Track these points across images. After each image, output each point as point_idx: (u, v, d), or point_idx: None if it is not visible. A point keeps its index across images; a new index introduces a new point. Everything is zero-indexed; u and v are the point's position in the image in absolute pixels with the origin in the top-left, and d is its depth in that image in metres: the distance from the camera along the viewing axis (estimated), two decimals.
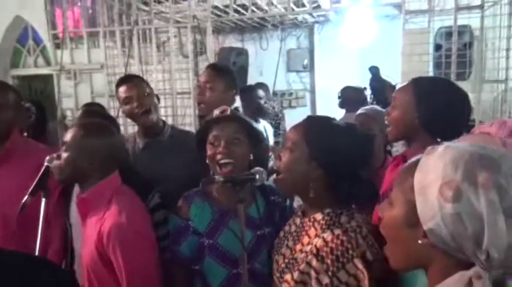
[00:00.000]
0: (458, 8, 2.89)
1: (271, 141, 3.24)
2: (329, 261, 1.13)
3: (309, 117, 1.34)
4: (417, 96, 1.43)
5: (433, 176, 0.66)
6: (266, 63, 5.73)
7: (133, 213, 1.37)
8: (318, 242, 1.17)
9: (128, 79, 2.13)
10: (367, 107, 2.28)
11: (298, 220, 1.35)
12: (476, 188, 0.62)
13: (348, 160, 1.21)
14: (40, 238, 1.39)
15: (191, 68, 3.87)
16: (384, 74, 3.76)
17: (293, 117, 2.20)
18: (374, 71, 3.72)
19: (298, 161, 1.24)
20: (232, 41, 5.73)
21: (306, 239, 1.24)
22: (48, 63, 5.06)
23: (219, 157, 1.45)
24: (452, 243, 0.64)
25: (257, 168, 1.37)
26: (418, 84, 1.48)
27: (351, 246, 1.13)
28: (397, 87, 3.27)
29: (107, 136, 1.43)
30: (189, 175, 1.67)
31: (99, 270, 1.36)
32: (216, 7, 4.16)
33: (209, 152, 1.49)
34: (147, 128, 2.06)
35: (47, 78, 5.03)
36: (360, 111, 2.15)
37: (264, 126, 3.14)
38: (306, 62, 5.92)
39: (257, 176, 1.33)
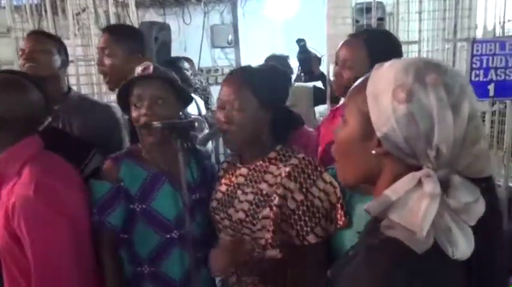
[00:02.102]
0: None
1: (203, 113, 3.18)
2: (302, 179, 1.21)
3: (237, 72, 1.34)
4: (371, 55, 1.41)
5: (385, 83, 0.68)
6: (190, 39, 5.55)
7: (45, 183, 1.18)
8: (287, 168, 1.23)
9: (32, 33, 1.93)
10: None
11: (243, 170, 1.35)
12: (426, 88, 0.65)
13: (283, 94, 1.33)
14: None
15: None
16: (311, 47, 3.82)
17: None
18: (301, 43, 3.77)
19: (252, 114, 1.26)
20: (153, 16, 5.48)
21: (269, 176, 1.28)
22: None
23: (143, 119, 1.35)
24: (405, 146, 0.66)
25: (196, 116, 1.33)
26: (367, 42, 1.45)
27: (318, 164, 1.24)
28: (324, 58, 3.34)
29: (14, 92, 1.20)
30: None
31: (13, 251, 1.18)
32: None
33: (133, 114, 1.38)
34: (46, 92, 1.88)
35: None
36: None
37: (194, 99, 3.07)
38: (230, 37, 5.85)
39: (196, 124, 1.28)
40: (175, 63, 3.42)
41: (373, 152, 0.70)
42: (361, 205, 1.08)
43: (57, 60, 1.86)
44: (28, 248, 1.14)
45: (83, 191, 1.33)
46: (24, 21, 3.04)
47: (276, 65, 1.41)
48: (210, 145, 3.38)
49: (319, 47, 3.75)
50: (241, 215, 1.28)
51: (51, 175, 1.23)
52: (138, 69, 1.44)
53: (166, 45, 5.24)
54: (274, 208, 1.22)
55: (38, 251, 1.14)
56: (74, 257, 1.19)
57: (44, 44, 1.84)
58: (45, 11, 3.07)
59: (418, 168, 0.66)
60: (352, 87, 0.77)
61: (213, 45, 5.85)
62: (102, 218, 1.35)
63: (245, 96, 1.26)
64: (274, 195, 1.22)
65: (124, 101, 1.43)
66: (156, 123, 1.30)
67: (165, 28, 5.42)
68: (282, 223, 1.23)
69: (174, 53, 4.89)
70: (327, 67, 3.04)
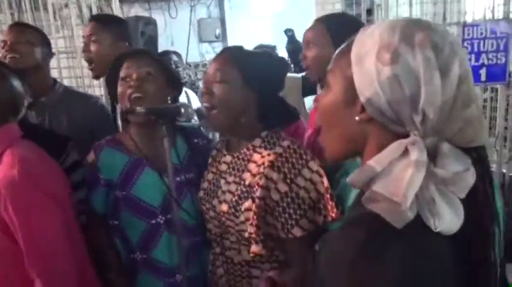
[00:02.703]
0: None
1: (194, 105, 3.13)
2: (286, 169, 1.13)
3: (226, 48, 1.32)
4: (330, 30, 1.42)
5: (369, 44, 0.64)
6: (176, 34, 5.47)
7: (29, 164, 1.16)
8: (271, 157, 1.15)
9: (14, 24, 1.93)
10: None
11: (227, 158, 1.29)
12: (413, 48, 0.61)
13: (273, 81, 1.25)
14: None
15: None
16: (300, 37, 3.77)
17: None
18: (289, 33, 3.72)
19: (234, 89, 1.19)
20: (138, 10, 5.37)
21: (252, 166, 1.20)
22: None
23: (129, 91, 1.31)
24: (389, 111, 0.62)
25: (183, 102, 1.28)
26: (326, 21, 1.49)
27: (303, 152, 1.16)
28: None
29: None
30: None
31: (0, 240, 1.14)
32: None
33: (120, 89, 1.34)
34: (30, 84, 1.84)
35: None
36: None
37: (186, 91, 3.02)
38: (218, 31, 5.78)
39: (182, 110, 1.22)
40: (163, 56, 3.37)
41: (357, 118, 0.66)
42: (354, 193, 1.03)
43: (40, 51, 1.82)
44: (17, 229, 1.11)
45: (62, 175, 1.31)
46: (1, 13, 2.95)
47: (271, 53, 1.35)
48: None
49: None
50: (224, 207, 1.23)
51: (32, 157, 1.21)
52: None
53: (152, 40, 5.14)
54: (256, 200, 1.15)
55: (29, 231, 1.12)
56: (66, 236, 1.18)
57: (27, 35, 1.81)
58: (25, 5, 2.98)
59: (405, 136, 0.62)
60: (337, 51, 0.72)
61: (201, 40, 5.78)
62: (89, 195, 1.38)
63: (228, 69, 1.20)
64: (257, 186, 1.15)
65: (112, 84, 1.40)
66: (139, 109, 1.24)
67: (151, 23, 5.32)
68: (266, 215, 1.17)
69: (161, 48, 4.79)
70: None
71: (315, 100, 0.76)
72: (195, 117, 2.60)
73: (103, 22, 1.92)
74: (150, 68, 1.34)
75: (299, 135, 1.61)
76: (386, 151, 0.62)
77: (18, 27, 1.90)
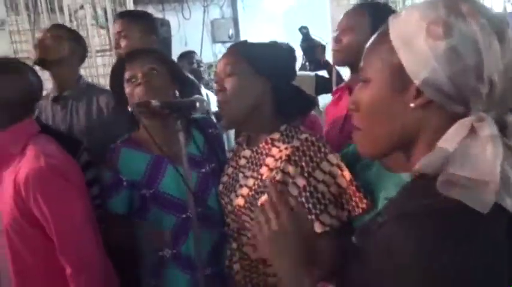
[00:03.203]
0: None
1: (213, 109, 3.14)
2: (303, 163, 1.09)
3: (233, 44, 1.33)
4: (371, 17, 1.40)
5: (413, 25, 0.61)
6: (190, 34, 5.48)
7: (53, 155, 1.19)
8: (288, 151, 1.12)
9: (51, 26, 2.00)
10: None
11: (247, 152, 1.27)
12: (464, 18, 0.59)
13: (285, 69, 1.23)
14: None
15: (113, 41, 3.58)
16: (314, 34, 3.72)
17: None
18: (304, 31, 3.66)
19: (245, 80, 1.17)
20: (152, 12, 5.38)
21: (270, 160, 1.17)
22: None
23: (138, 89, 1.32)
24: (450, 88, 0.59)
25: (197, 96, 1.27)
26: (367, 7, 1.46)
27: (322, 144, 1.11)
28: (328, 45, 3.24)
29: (11, 75, 1.22)
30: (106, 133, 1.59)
31: (22, 229, 1.17)
32: None
33: (128, 90, 1.34)
34: (54, 76, 1.90)
35: None
36: None
37: (206, 93, 3.04)
38: (231, 32, 5.77)
39: (197, 104, 1.21)
40: (187, 56, 3.45)
41: (412, 105, 0.62)
42: (390, 184, 0.97)
43: (67, 46, 1.87)
44: (48, 219, 1.14)
45: (79, 168, 1.35)
46: (19, 15, 2.99)
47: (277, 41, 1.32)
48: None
49: (322, 35, 3.66)
50: (241, 201, 1.21)
51: (55, 149, 1.25)
52: None
53: (166, 41, 5.17)
54: None
55: (59, 219, 1.15)
56: (92, 225, 1.23)
57: (54, 30, 1.90)
58: (41, 6, 3.01)
59: (462, 117, 0.59)
60: (369, 44, 0.70)
61: (214, 40, 5.78)
62: (106, 200, 1.37)
63: (236, 61, 1.19)
64: (273, 181, 1.13)
65: (117, 89, 1.40)
66: (154, 102, 1.24)
67: (165, 24, 5.37)
68: None
69: (175, 48, 4.84)
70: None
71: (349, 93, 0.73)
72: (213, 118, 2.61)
73: (131, 18, 1.97)
74: (153, 64, 1.35)
75: (307, 126, 1.59)
76: (450, 133, 0.59)
77: (52, 26, 2.01)
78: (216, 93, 1.24)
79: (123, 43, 1.92)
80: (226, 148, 1.57)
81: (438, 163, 0.59)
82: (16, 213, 1.16)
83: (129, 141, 1.41)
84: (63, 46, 1.87)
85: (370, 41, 0.70)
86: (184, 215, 1.36)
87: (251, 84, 1.18)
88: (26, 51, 2.59)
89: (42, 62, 1.87)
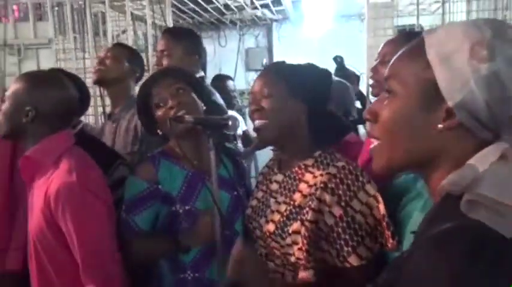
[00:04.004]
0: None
1: (241, 130, 3.15)
2: (340, 192, 1.06)
3: (269, 64, 1.32)
4: None
5: (455, 42, 0.58)
6: (224, 62, 5.63)
7: (85, 171, 1.20)
8: (323, 177, 1.08)
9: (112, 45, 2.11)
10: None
11: (279, 177, 1.24)
12: (510, 43, 0.56)
13: (322, 92, 1.21)
14: None
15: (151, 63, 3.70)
16: (349, 64, 3.72)
17: None
18: (339, 60, 3.66)
19: (281, 102, 1.15)
20: None
21: (303, 186, 1.14)
22: None
23: (171, 112, 1.30)
24: (485, 113, 0.56)
25: (230, 113, 1.26)
26: (411, 36, 1.43)
27: (360, 173, 1.08)
28: (363, 76, 3.21)
29: (51, 88, 1.25)
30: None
31: (48, 242, 1.17)
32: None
33: (159, 114, 1.33)
34: (109, 94, 1.97)
35: None
36: None
37: (234, 115, 3.06)
38: (265, 61, 5.87)
39: (230, 122, 1.20)
40: (221, 81, 3.48)
41: (440, 126, 0.58)
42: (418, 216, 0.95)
43: (124, 67, 1.93)
44: (73, 234, 1.14)
45: (106, 183, 1.33)
46: (65, 35, 3.14)
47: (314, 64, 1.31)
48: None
49: (357, 65, 3.65)
50: (271, 227, 1.17)
51: (88, 165, 1.26)
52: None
53: (202, 66, 5.37)
54: (307, 223, 1.08)
55: (84, 236, 1.15)
56: (114, 242, 1.22)
57: (115, 51, 1.96)
58: (87, 30, 3.16)
59: (488, 144, 0.57)
60: (398, 55, 0.66)
61: (247, 68, 5.89)
62: (128, 217, 1.29)
63: (274, 83, 1.17)
64: (307, 209, 1.09)
65: (144, 112, 1.40)
66: (188, 117, 1.24)
67: None
68: (321, 241, 1.09)
69: (210, 74, 4.96)
70: (366, 85, 2.94)
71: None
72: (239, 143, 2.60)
73: (175, 36, 1.97)
74: (179, 83, 1.35)
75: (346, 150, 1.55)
76: (480, 155, 0.56)
77: (113, 46, 2.08)
78: (252, 113, 1.23)
79: (165, 62, 1.93)
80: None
81: (466, 181, 0.55)
82: (43, 224, 1.17)
83: (166, 154, 1.37)
84: (122, 66, 1.91)
85: (400, 52, 0.67)
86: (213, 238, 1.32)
87: (287, 106, 1.17)
88: (70, 69, 2.70)
89: (100, 81, 1.94)
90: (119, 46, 2.06)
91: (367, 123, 1.58)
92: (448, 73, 0.58)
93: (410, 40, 1.50)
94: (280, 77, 1.18)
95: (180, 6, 4.57)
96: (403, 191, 1.12)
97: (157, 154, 1.37)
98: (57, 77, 1.30)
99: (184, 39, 1.95)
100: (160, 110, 1.33)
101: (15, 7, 3.42)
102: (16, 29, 3.01)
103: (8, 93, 1.23)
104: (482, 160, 0.55)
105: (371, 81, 1.49)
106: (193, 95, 1.37)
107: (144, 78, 1.96)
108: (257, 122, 1.18)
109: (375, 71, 1.43)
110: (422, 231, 0.62)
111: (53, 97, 1.23)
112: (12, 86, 1.23)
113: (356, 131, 2.35)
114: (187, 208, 1.30)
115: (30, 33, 3.09)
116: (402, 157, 0.64)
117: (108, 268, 1.17)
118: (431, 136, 0.60)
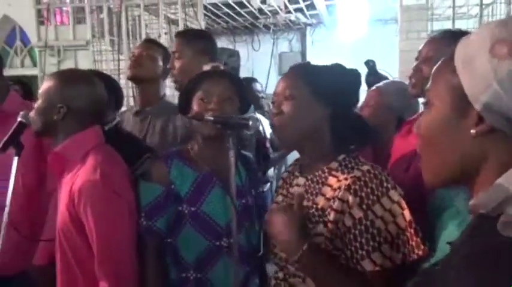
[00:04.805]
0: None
1: (267, 133, 3.14)
2: (363, 194, 1.03)
3: (293, 65, 1.25)
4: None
5: (477, 44, 0.56)
6: (257, 65, 5.67)
7: (110, 170, 1.21)
8: (348, 181, 1.06)
9: (144, 41, 2.14)
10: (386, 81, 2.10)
11: (300, 180, 1.22)
12: None
13: (345, 93, 1.15)
14: (10, 199, 1.25)
15: None
16: (381, 68, 3.66)
17: None
18: (371, 64, 3.59)
19: (305, 105, 1.12)
20: (224, 43, 5.66)
21: (327, 189, 1.12)
22: (34, 64, 4.91)
23: (209, 113, 1.27)
24: None
25: (251, 114, 1.24)
26: (454, 38, 1.37)
27: (385, 179, 1.05)
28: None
29: (82, 86, 1.28)
30: None
31: (71, 236, 1.19)
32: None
33: (197, 109, 1.30)
34: (141, 91, 1.98)
35: (33, 79, 4.90)
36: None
37: (259, 118, 3.05)
38: None
39: (251, 122, 1.19)
40: (248, 83, 3.47)
41: (472, 131, 0.56)
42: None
43: (158, 67, 1.96)
44: (93, 231, 1.16)
45: (131, 181, 1.34)
46: (102, 37, 3.27)
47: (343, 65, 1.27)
48: (271, 172, 3.32)
49: (390, 69, 3.58)
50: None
51: (113, 162, 1.28)
52: (207, 67, 1.40)
53: (234, 70, 5.39)
54: (329, 225, 1.06)
55: (103, 234, 1.17)
56: (134, 243, 1.23)
57: (151, 50, 1.96)
58: (122, 33, 3.28)
59: None
60: (436, 66, 0.65)
61: (280, 73, 5.89)
62: (150, 223, 1.28)
63: (296, 84, 1.13)
64: (329, 210, 1.07)
65: (185, 97, 1.38)
66: (208, 116, 1.24)
67: (234, 55, 5.61)
68: (336, 239, 1.07)
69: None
70: None
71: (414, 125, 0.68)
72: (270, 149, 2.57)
73: (185, 37, 1.94)
74: (229, 91, 1.32)
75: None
76: (511, 173, 0.53)
77: (147, 43, 2.08)
78: (273, 115, 1.22)
79: (177, 64, 1.89)
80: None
81: (496, 202, 0.53)
82: (68, 220, 1.20)
83: (179, 154, 1.36)
84: (157, 65, 1.92)
85: (437, 64, 0.65)
86: (217, 243, 1.29)
87: (309, 109, 1.13)
88: (105, 70, 2.79)
89: (134, 78, 1.96)
90: (154, 44, 2.04)
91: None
92: (470, 76, 0.56)
93: (453, 38, 1.44)
94: (304, 78, 1.14)
95: (214, 10, 4.64)
96: (445, 205, 1.08)
97: (171, 153, 1.37)
98: (87, 76, 1.34)
99: (195, 40, 1.91)
100: (200, 105, 1.31)
101: (57, 11, 3.59)
102: (57, 32, 3.17)
103: (40, 91, 1.27)
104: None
105: (411, 83, 1.43)
106: (237, 106, 1.34)
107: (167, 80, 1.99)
108: (273, 130, 1.17)
109: (415, 70, 1.38)
110: (456, 247, 0.60)
111: (83, 95, 1.26)
112: (45, 84, 1.27)
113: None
114: (193, 209, 1.29)
115: (70, 36, 3.24)
116: (444, 170, 0.62)
117: (125, 268, 1.18)
118: (469, 144, 0.57)
